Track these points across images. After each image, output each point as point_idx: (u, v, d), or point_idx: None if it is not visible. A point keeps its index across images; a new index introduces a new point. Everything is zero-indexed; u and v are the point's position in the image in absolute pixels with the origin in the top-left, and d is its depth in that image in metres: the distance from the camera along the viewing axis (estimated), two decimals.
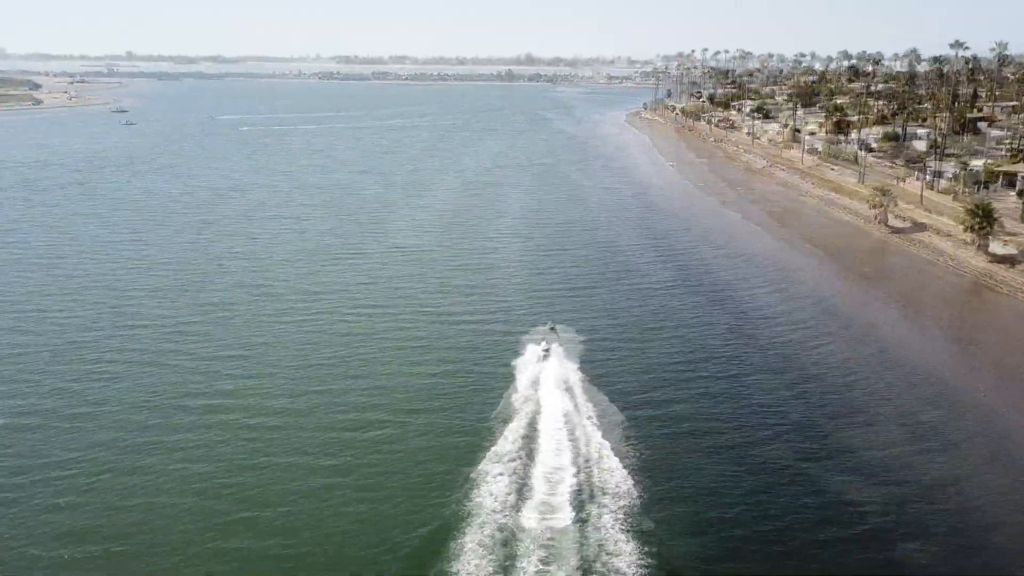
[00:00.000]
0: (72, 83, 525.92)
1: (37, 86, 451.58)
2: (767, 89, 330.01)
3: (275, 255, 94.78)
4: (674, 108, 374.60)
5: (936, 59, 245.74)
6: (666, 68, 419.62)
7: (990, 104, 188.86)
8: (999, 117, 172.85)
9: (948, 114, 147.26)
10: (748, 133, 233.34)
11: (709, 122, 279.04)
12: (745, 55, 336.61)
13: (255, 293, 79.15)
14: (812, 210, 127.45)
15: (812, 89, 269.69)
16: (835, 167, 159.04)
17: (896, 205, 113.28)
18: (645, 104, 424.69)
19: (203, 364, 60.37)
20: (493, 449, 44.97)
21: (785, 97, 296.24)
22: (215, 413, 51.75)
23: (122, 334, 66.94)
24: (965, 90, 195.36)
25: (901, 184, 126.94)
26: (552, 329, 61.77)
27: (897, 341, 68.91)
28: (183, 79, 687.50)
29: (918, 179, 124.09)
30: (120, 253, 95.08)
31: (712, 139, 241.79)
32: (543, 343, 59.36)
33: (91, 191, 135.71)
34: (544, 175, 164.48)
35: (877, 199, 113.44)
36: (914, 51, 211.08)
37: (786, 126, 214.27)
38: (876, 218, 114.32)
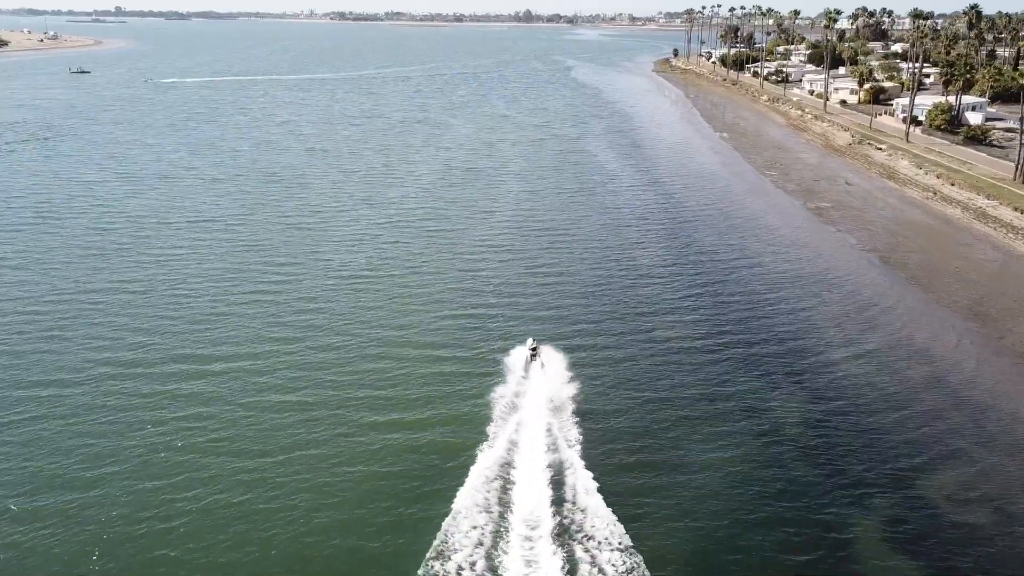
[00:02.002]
0: (46, 38, 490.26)
1: (3, 43, 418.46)
2: (781, 49, 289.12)
3: (177, 288, 63.89)
4: (710, 56, 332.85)
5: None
6: (703, 8, 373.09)
7: None
8: None
9: None
10: (811, 92, 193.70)
11: (757, 75, 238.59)
12: (765, 12, 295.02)
13: (134, 364, 50.28)
14: (963, 233, 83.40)
15: (834, 49, 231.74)
16: (941, 146, 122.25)
17: None
18: (675, 51, 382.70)
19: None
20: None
21: (803, 58, 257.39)
22: None
23: None
24: (1007, 51, 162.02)
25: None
26: (534, 352, 48.51)
27: None
28: (191, 18, 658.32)
29: None
30: None
31: (765, 97, 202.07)
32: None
33: None
34: (563, 156, 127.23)
35: None
36: (974, 8, 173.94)
37: (862, 85, 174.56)
38: None
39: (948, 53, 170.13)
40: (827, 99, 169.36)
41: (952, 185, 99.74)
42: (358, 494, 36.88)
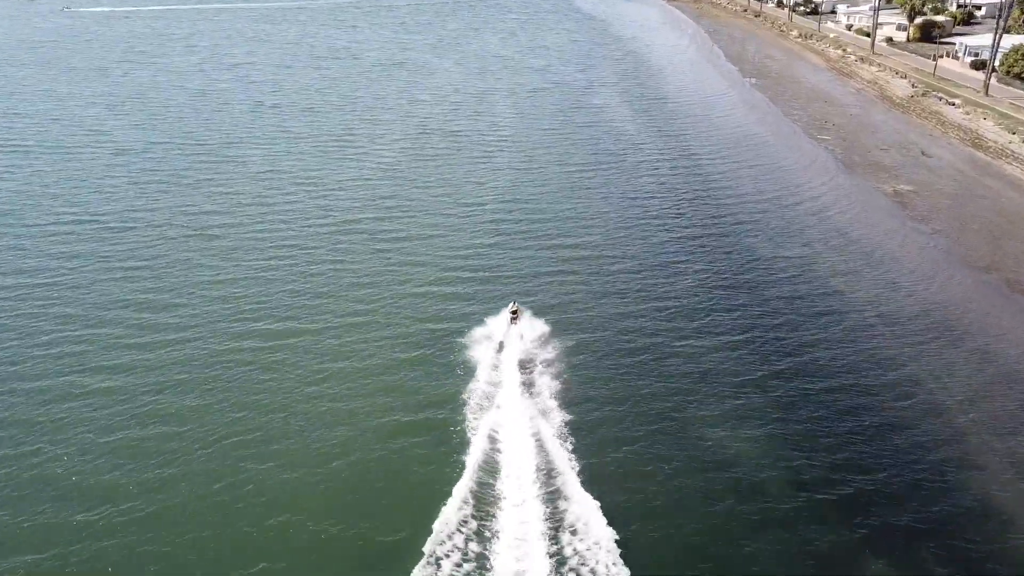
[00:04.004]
0: None
1: None
2: None
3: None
4: None
5: None
6: None
7: None
8: None
9: None
10: (849, 26, 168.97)
11: (783, 4, 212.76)
12: None
13: None
14: None
15: None
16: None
17: None
18: None
19: None
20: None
21: None
22: None
23: None
24: None
25: None
26: (514, 315, 45.82)
27: None
28: None
29: None
30: None
31: (795, 33, 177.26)
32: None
33: None
34: (568, 115, 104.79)
35: None
36: None
37: (913, 19, 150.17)
38: None
39: None
40: (874, 36, 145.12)
41: None
42: (336, 481, 34.93)
